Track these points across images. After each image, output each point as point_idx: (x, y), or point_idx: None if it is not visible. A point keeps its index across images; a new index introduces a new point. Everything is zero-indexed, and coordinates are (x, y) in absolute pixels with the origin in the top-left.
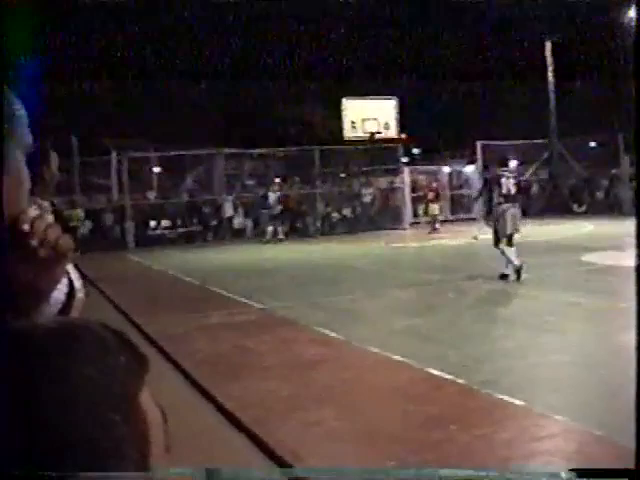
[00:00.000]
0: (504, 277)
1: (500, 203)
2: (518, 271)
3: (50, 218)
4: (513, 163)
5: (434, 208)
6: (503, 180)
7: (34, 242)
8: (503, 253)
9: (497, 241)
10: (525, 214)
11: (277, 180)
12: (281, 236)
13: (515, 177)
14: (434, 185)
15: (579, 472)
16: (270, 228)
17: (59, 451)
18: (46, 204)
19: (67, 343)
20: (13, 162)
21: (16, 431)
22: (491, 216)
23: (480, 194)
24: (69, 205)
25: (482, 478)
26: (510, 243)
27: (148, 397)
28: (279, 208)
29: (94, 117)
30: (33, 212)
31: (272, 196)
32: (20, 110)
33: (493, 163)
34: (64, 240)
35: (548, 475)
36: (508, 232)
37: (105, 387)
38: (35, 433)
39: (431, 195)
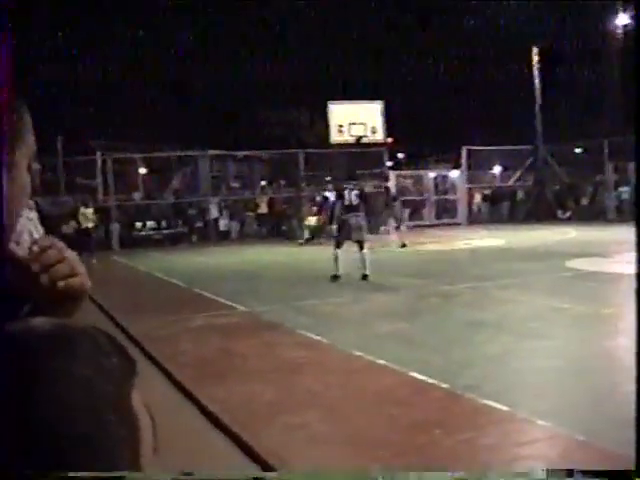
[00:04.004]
0: (365, 277)
1: (342, 214)
2: (335, 277)
3: (35, 216)
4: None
5: (311, 220)
6: (345, 193)
7: (35, 267)
8: (336, 259)
9: (337, 246)
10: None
11: (329, 185)
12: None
13: (359, 189)
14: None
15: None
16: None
17: (58, 452)
18: (31, 202)
19: (63, 344)
20: (20, 171)
21: (15, 432)
22: (335, 225)
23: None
24: (81, 204)
25: None
26: (361, 248)
27: (138, 399)
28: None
29: (79, 117)
30: (46, 241)
31: (332, 195)
32: (27, 115)
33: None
34: (73, 280)
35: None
36: (353, 239)
37: (101, 388)
38: (34, 434)
39: (314, 209)
